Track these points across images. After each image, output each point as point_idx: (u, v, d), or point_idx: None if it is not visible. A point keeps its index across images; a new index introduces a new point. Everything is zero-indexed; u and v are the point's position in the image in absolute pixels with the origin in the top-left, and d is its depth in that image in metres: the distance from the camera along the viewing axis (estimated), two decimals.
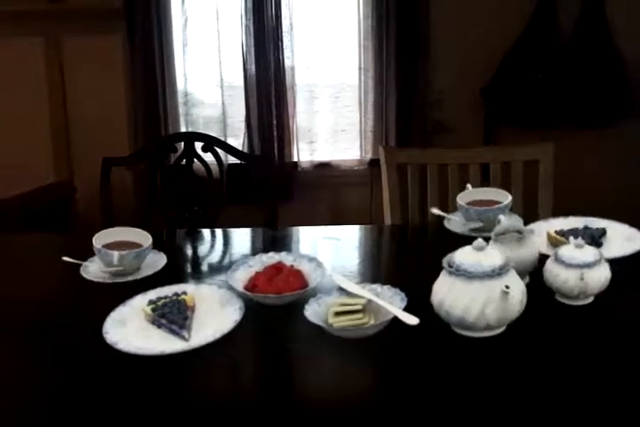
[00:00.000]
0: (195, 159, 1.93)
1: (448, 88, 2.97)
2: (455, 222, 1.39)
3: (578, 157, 2.70)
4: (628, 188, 2.73)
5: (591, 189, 2.72)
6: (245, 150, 2.98)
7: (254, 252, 1.44)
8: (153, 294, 1.02)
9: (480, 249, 0.95)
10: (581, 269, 1.01)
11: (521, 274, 1.01)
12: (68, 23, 2.93)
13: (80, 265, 1.19)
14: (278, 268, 1.07)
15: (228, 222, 1.75)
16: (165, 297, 0.99)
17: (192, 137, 1.98)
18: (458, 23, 2.85)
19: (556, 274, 1.04)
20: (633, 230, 1.31)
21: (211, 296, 1.02)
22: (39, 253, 1.43)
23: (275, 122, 3.03)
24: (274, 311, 1.00)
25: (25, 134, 3.04)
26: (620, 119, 2.95)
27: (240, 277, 1.05)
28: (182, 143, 1.97)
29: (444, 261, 0.97)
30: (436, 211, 1.43)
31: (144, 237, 1.23)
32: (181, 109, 3.06)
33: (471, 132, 2.97)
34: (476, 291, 0.93)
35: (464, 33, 2.83)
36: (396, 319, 0.88)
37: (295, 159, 3.10)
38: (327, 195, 3.17)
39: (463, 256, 0.96)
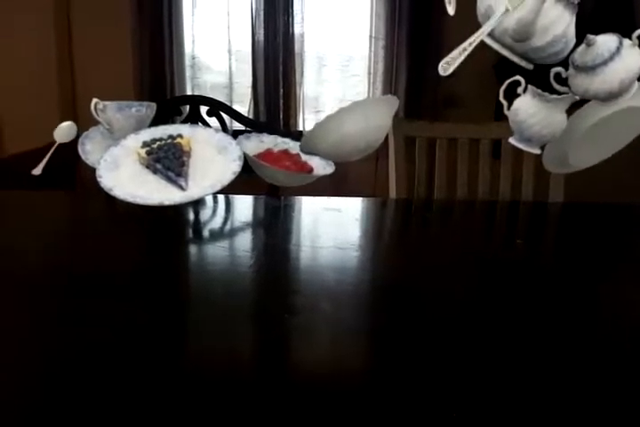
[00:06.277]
0: (199, 123, 1.90)
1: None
2: None
3: None
4: None
5: (605, 168, 2.69)
6: (251, 117, 2.94)
7: (255, 220, 1.42)
8: (147, 134, 0.94)
9: None
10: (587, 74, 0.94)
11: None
12: None
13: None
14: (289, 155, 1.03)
15: (230, 189, 1.73)
16: (160, 139, 0.91)
17: (198, 101, 1.95)
18: None
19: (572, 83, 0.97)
20: None
21: (207, 140, 0.95)
22: (45, 209, 1.41)
23: (281, 90, 2.99)
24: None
25: (32, 93, 3.01)
26: None
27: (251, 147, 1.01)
28: (187, 107, 1.94)
29: None
30: None
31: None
32: (188, 73, 3.01)
33: (482, 106, 2.92)
34: None
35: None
36: None
37: (300, 128, 3.06)
38: None
39: None
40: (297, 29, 2.94)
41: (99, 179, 0.82)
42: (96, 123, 1.10)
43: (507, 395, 0.65)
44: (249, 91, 3.03)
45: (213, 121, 1.90)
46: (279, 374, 0.70)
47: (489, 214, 1.58)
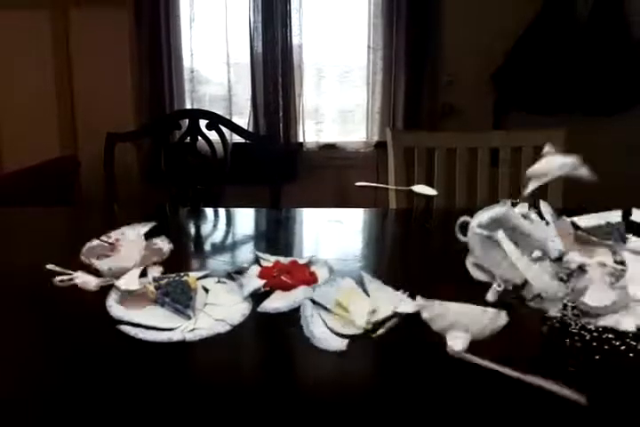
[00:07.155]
0: (199, 137, 1.91)
1: (458, 70, 2.93)
2: None
3: (587, 143, 2.67)
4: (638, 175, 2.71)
5: (602, 175, 2.70)
6: (250, 129, 2.96)
7: (257, 232, 1.42)
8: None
9: None
10: None
11: None
12: None
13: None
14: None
15: (232, 202, 1.74)
16: (168, 277, 0.97)
17: (197, 114, 1.95)
18: (471, 4, 2.81)
19: None
20: None
21: (213, 284, 1.00)
22: (43, 226, 1.42)
23: (281, 101, 3.00)
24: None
25: (31, 109, 3.02)
26: (631, 107, 2.92)
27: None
28: (187, 120, 1.95)
29: None
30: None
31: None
32: (187, 86, 3.03)
33: (480, 116, 2.93)
34: None
35: (477, 14, 2.79)
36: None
37: (301, 140, 3.07)
38: (332, 176, 3.15)
39: None
40: (295, 41, 2.96)
41: (108, 308, 0.88)
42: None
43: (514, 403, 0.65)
44: (248, 103, 3.04)
45: (213, 134, 1.91)
46: (284, 390, 0.70)
47: None
